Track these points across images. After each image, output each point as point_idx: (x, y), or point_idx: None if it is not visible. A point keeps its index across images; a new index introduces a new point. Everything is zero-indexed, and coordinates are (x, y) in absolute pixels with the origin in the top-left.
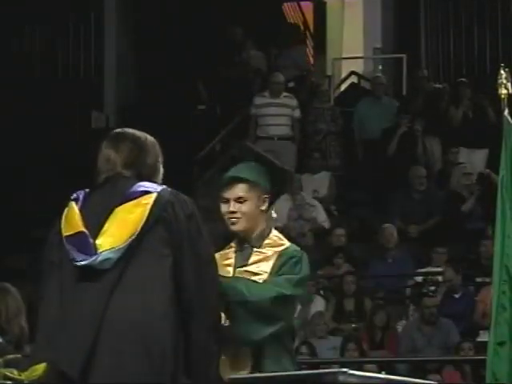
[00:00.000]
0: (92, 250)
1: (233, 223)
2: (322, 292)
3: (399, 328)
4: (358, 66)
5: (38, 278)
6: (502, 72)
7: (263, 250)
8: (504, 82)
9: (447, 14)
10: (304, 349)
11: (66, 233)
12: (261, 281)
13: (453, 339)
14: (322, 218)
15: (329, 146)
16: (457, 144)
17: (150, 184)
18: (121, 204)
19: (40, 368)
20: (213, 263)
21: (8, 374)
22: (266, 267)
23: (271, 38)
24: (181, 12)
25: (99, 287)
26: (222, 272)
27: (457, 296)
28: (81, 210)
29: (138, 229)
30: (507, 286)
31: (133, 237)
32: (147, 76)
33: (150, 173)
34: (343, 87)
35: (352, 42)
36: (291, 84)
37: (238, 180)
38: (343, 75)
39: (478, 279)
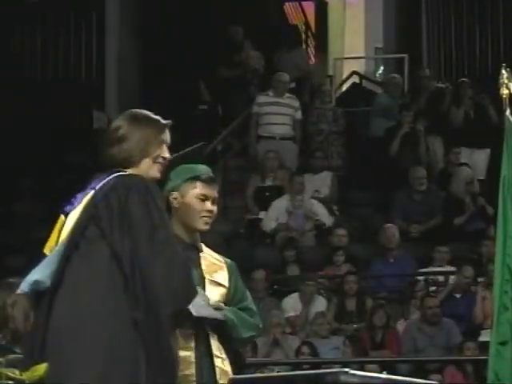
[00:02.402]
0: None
1: (207, 223)
2: (323, 292)
3: (400, 328)
4: (360, 66)
5: None
6: (504, 72)
7: (207, 255)
8: (505, 81)
9: (449, 14)
10: (305, 349)
11: None
12: (221, 291)
13: (454, 339)
14: (323, 216)
15: (330, 146)
16: (458, 144)
17: (105, 176)
18: (70, 213)
19: (41, 368)
20: (157, 238)
21: (9, 373)
22: (223, 279)
23: (272, 39)
24: (182, 12)
25: (41, 304)
26: None
27: (458, 296)
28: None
29: (65, 241)
30: (509, 286)
31: (62, 252)
32: (148, 76)
33: (127, 154)
34: (345, 87)
35: (353, 41)
36: (292, 85)
37: (215, 180)
38: (345, 75)
39: (480, 279)
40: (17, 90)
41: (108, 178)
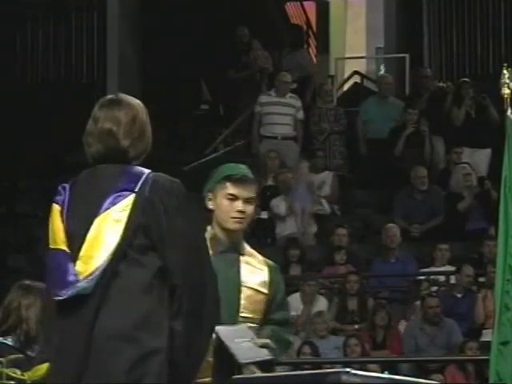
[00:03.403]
0: (69, 278)
1: (239, 222)
2: (324, 292)
3: (402, 328)
4: (361, 66)
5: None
6: (505, 72)
7: (249, 259)
8: (507, 81)
9: (450, 14)
10: (307, 349)
11: (50, 245)
12: (259, 298)
13: (456, 339)
14: (323, 206)
15: (332, 146)
16: (459, 144)
17: (133, 175)
18: (100, 213)
19: (43, 368)
20: (200, 247)
21: (11, 373)
22: (263, 286)
23: (273, 39)
24: (184, 12)
25: (82, 313)
26: None
27: (459, 296)
28: (67, 213)
29: (114, 249)
30: (510, 286)
31: (109, 259)
32: (150, 76)
33: (142, 151)
34: (346, 87)
35: (355, 41)
36: (294, 85)
37: (250, 180)
38: (346, 75)
39: (481, 279)
40: (17, 90)
41: (143, 179)
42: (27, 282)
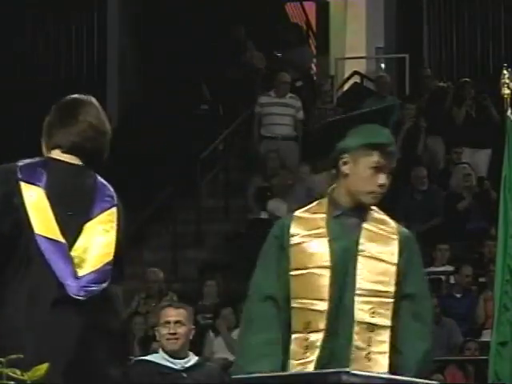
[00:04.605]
0: (72, 276)
1: (376, 198)
2: None
3: None
4: (361, 66)
5: None
6: (505, 72)
7: (374, 226)
8: (507, 81)
9: (450, 14)
10: None
11: (40, 231)
12: (382, 268)
13: (455, 339)
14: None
15: None
16: (460, 144)
17: (103, 182)
18: (89, 219)
19: (43, 368)
20: None
21: (10, 374)
22: (389, 254)
23: (273, 39)
24: (183, 12)
25: (79, 313)
26: (312, 244)
27: (459, 296)
28: (52, 206)
29: (106, 260)
30: (510, 286)
31: (102, 270)
32: (150, 76)
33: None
34: (346, 87)
35: (355, 41)
36: (299, 83)
37: (395, 149)
38: (346, 75)
39: (481, 279)
40: (17, 90)
41: (112, 190)
42: None
